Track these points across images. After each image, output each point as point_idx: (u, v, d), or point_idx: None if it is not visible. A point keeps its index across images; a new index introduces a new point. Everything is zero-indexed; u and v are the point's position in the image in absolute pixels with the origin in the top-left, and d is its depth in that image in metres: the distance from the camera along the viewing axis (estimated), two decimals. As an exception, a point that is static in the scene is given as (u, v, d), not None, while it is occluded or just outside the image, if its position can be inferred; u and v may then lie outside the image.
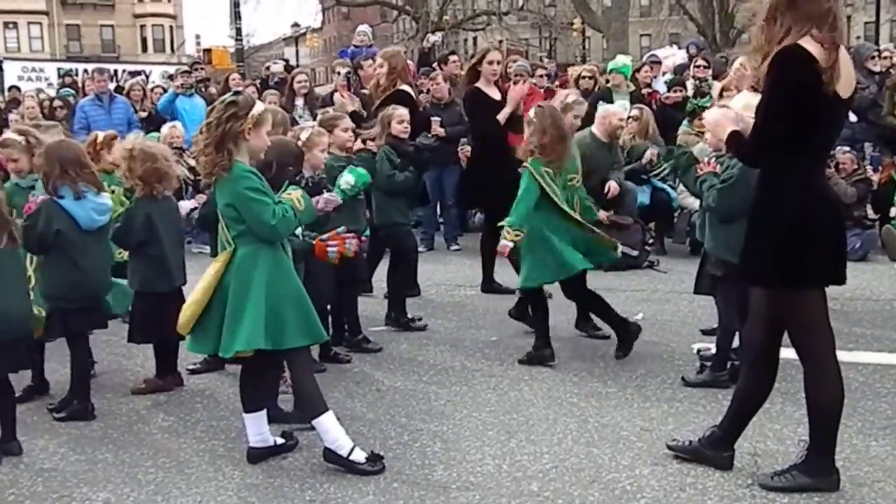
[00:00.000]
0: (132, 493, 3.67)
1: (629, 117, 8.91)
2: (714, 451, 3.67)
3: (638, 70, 10.95)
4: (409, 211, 6.45)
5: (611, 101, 9.50)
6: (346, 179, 5.24)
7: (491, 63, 7.03)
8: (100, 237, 4.65)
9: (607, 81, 10.57)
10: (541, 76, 10.35)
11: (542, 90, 10.02)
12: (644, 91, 10.30)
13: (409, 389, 4.91)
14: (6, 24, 52.58)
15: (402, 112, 6.11)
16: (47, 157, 4.52)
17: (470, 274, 7.50)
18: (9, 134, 5.49)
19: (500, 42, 34.55)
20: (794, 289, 3.38)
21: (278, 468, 3.86)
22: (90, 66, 24.45)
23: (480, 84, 7.03)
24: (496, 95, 7.09)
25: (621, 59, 11.20)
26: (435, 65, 10.73)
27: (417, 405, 4.64)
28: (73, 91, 12.85)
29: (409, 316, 6.18)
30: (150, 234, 4.74)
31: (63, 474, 3.89)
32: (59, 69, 26.60)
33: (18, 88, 15.09)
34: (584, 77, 10.92)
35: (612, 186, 7.86)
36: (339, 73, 10.40)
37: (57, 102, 11.53)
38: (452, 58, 11.05)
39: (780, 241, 3.31)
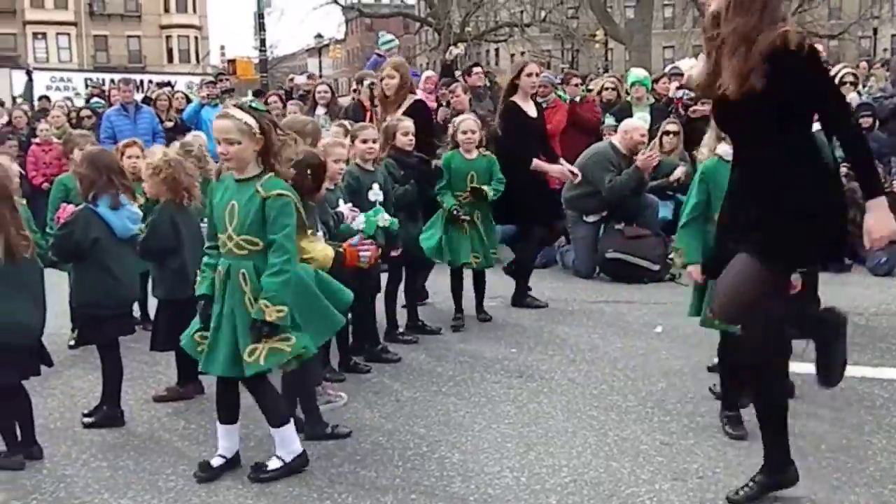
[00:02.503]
0: (152, 501, 3.69)
1: (667, 132, 8.90)
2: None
3: (657, 81, 10.93)
4: (416, 222, 6.28)
5: (630, 115, 9.51)
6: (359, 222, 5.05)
7: (529, 76, 6.98)
8: (132, 245, 4.70)
9: (627, 94, 10.57)
10: (575, 85, 10.34)
11: (575, 100, 10.02)
12: (663, 102, 10.28)
13: (427, 400, 4.91)
14: (35, 35, 53.29)
15: (407, 124, 6.03)
16: (93, 165, 4.57)
17: (488, 284, 7.48)
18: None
19: (523, 53, 34.56)
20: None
21: (297, 478, 3.86)
22: (117, 77, 24.82)
23: (518, 98, 6.98)
24: (532, 112, 7.04)
25: (640, 73, 11.18)
26: (459, 76, 10.76)
27: (436, 416, 4.64)
28: (102, 102, 13.01)
29: (400, 330, 6.19)
30: (176, 240, 4.73)
31: (85, 480, 3.92)
32: (86, 79, 27.08)
33: (48, 98, 15.29)
34: (606, 88, 10.91)
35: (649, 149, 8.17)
36: (362, 84, 10.47)
37: (85, 112, 11.68)
38: (476, 70, 11.08)
39: (809, 222, 3.24)
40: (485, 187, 6.33)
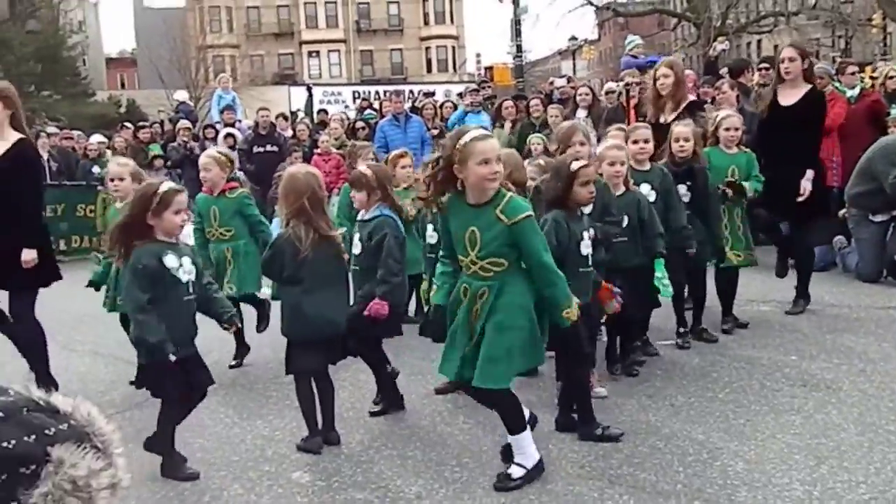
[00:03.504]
0: (441, 490, 3.90)
1: None
2: None
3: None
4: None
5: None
6: None
7: (783, 61, 6.66)
8: None
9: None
10: (851, 74, 9.67)
11: (856, 88, 9.38)
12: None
13: (704, 406, 4.78)
14: (310, 53, 58.00)
15: (679, 130, 5.86)
16: (379, 180, 4.89)
17: (762, 288, 7.17)
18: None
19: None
20: None
21: (576, 476, 3.92)
22: (381, 89, 26.32)
23: (780, 87, 6.70)
24: (788, 100, 6.65)
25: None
26: (725, 72, 10.37)
27: (714, 423, 4.51)
28: (373, 113, 13.89)
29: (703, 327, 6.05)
30: None
31: (379, 466, 4.22)
32: (354, 92, 29.07)
33: (326, 111, 16.49)
34: (891, 77, 10.08)
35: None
36: (622, 83, 10.40)
37: (359, 124, 12.51)
38: (763, 65, 10.64)
39: None
40: (745, 183, 6.17)
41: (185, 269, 4.13)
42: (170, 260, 4.08)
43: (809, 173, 6.71)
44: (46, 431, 1.24)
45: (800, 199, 6.53)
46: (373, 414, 4.94)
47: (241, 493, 4.02)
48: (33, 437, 1.23)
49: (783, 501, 3.56)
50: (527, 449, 3.91)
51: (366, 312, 4.56)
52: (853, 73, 9.72)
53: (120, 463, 1.32)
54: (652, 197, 5.43)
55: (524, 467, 3.89)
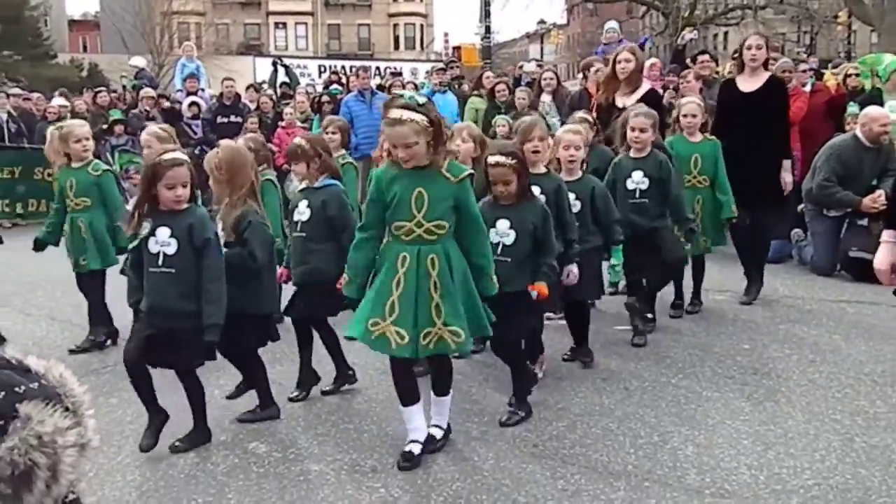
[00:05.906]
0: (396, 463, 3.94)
1: None
2: None
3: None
4: None
5: (881, 103, 8.87)
6: None
7: (749, 48, 6.71)
8: None
9: (879, 79, 9.87)
10: (803, 71, 9.84)
11: (804, 87, 9.54)
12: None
13: (657, 390, 4.86)
14: (277, 24, 57.31)
15: (635, 121, 5.70)
16: (315, 148, 4.85)
17: (718, 278, 7.27)
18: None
19: (754, 37, 32.95)
20: None
21: (530, 455, 3.98)
22: (348, 63, 26.10)
23: (741, 75, 6.78)
24: (748, 87, 6.71)
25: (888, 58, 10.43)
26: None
27: (667, 407, 4.59)
28: (340, 88, 13.79)
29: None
30: None
31: (335, 439, 4.25)
32: (319, 66, 28.80)
33: (288, 84, 16.29)
34: (851, 75, 10.27)
35: (876, 194, 7.44)
36: (589, 70, 10.44)
37: (325, 98, 12.40)
38: (702, 57, 10.73)
39: None
40: None
41: (157, 240, 3.95)
42: (145, 227, 3.99)
43: (786, 164, 6.82)
44: (16, 389, 1.28)
45: (785, 191, 6.73)
46: (291, 400, 4.83)
47: (198, 462, 4.02)
48: (2, 393, 1.25)
49: (730, 485, 3.64)
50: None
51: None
52: (804, 71, 9.88)
53: (90, 424, 1.36)
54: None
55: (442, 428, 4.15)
